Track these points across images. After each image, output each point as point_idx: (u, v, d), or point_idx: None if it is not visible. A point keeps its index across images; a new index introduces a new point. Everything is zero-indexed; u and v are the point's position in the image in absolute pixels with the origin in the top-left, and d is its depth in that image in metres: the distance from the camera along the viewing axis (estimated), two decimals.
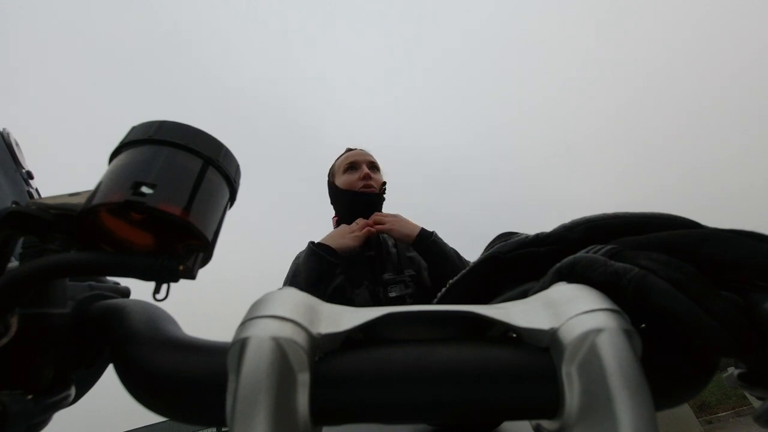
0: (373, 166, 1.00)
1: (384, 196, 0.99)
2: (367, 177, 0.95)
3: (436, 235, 0.87)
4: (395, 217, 0.90)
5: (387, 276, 0.84)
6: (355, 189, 0.95)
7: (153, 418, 0.19)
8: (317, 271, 0.80)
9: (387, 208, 1.00)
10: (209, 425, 0.18)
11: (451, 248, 0.88)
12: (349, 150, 1.04)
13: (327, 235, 0.88)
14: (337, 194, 0.99)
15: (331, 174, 1.03)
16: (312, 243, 0.84)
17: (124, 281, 0.26)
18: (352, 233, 0.85)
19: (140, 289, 0.22)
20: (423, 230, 0.87)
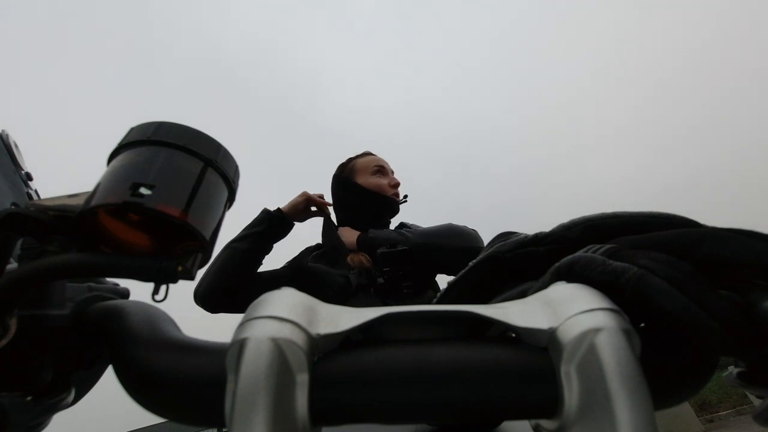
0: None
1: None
2: (397, 186, 0.99)
3: (371, 231, 0.90)
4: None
5: (381, 250, 0.84)
6: (386, 194, 0.97)
7: (152, 419, 0.19)
8: (255, 219, 0.87)
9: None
10: (208, 426, 0.18)
11: (390, 231, 0.91)
12: (370, 153, 1.05)
13: None
14: (357, 192, 0.98)
15: (350, 171, 1.02)
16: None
17: (123, 282, 0.26)
18: (301, 197, 0.91)
19: (140, 290, 0.22)
20: (358, 238, 0.91)
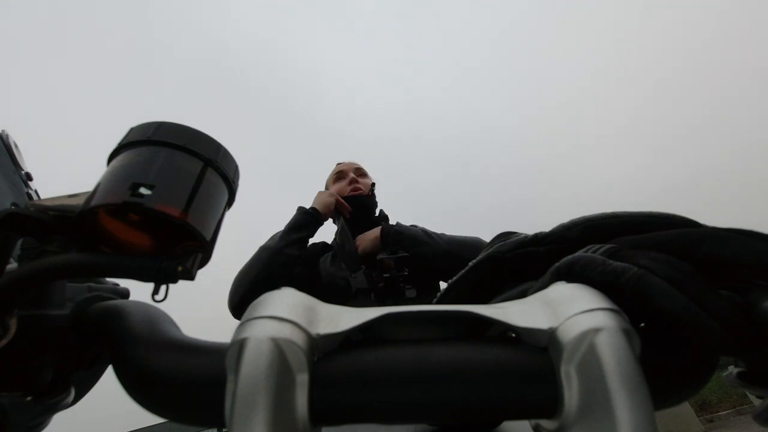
0: (360, 173, 1.07)
1: (374, 196, 1.04)
2: (353, 182, 1.02)
3: (398, 225, 0.92)
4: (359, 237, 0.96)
5: (381, 256, 0.86)
6: (345, 194, 1.00)
7: (152, 419, 0.19)
8: (299, 222, 0.89)
9: (394, 200, 1.03)
10: (208, 426, 0.18)
11: (417, 229, 0.93)
12: (338, 164, 1.11)
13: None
14: None
15: (326, 188, 1.09)
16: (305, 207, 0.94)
17: (123, 282, 0.26)
18: (331, 197, 0.95)
19: (140, 290, 0.22)
20: (383, 228, 0.92)
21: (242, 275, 0.85)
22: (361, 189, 1.01)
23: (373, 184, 1.06)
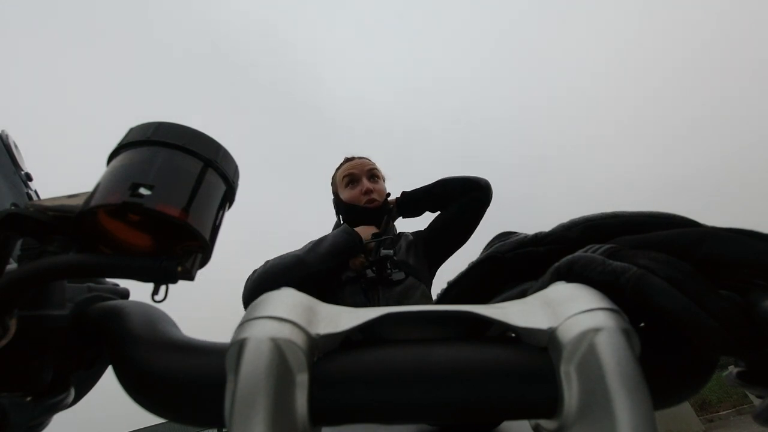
0: (373, 175, 1.01)
1: (388, 204, 1.01)
2: (368, 192, 0.97)
3: (404, 193, 1.01)
4: None
5: (366, 241, 0.89)
6: (360, 204, 0.97)
7: (152, 419, 0.19)
8: (342, 246, 0.86)
9: (393, 194, 1.05)
10: (208, 426, 0.18)
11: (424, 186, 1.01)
12: (347, 160, 1.05)
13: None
14: (342, 208, 1.01)
15: (334, 185, 1.05)
16: (347, 225, 0.93)
17: (123, 282, 0.26)
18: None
19: (140, 290, 0.22)
20: (397, 198, 1.01)
21: (270, 277, 0.81)
22: (376, 200, 0.97)
23: (388, 195, 1.03)
